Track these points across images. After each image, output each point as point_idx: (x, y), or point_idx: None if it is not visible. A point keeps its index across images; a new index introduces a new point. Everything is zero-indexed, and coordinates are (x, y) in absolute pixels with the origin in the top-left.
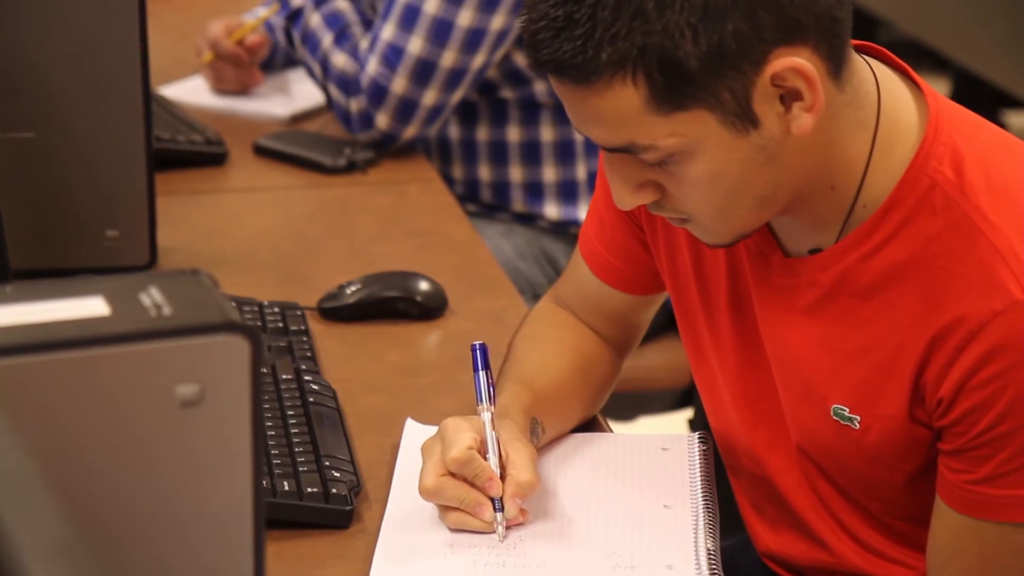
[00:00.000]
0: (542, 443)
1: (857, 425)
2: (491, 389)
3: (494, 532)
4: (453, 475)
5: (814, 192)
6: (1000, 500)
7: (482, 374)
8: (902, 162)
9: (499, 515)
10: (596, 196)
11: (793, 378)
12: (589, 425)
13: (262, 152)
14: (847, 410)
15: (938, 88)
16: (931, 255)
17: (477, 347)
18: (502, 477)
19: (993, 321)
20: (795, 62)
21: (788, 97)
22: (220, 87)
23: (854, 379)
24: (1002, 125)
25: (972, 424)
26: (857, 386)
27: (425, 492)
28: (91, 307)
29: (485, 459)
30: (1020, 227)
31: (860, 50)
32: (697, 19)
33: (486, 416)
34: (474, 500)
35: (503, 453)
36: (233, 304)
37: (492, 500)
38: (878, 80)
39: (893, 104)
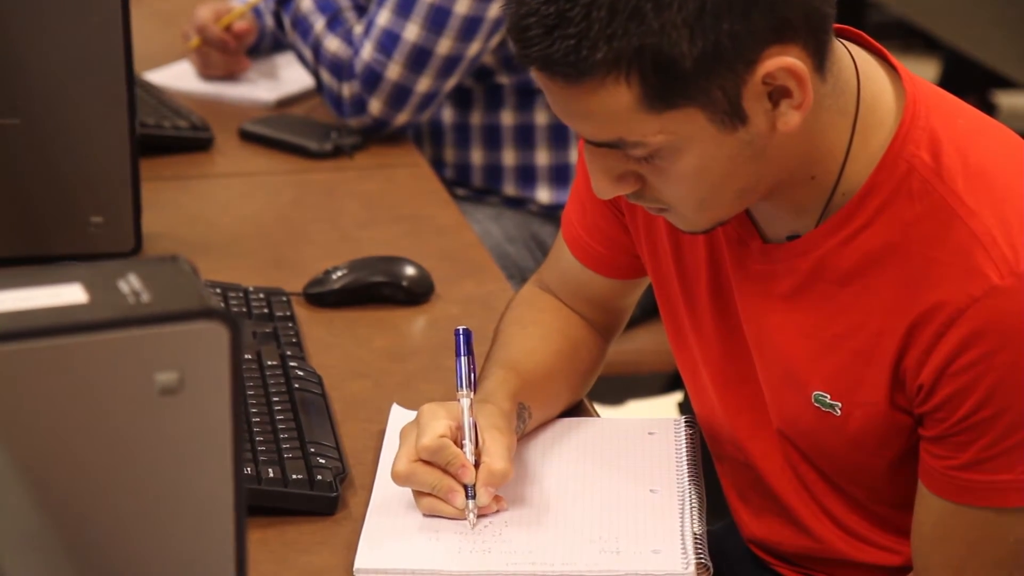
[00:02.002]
0: (529, 428)
1: (838, 412)
2: (472, 375)
3: (466, 519)
4: (426, 462)
5: (794, 181)
6: (982, 485)
7: (463, 359)
8: (880, 147)
9: (471, 502)
10: (578, 181)
11: (773, 365)
12: (575, 410)
13: (248, 137)
14: (828, 397)
15: (928, 69)
16: (909, 241)
17: (460, 332)
18: (478, 464)
19: (972, 307)
20: (787, 61)
21: (776, 94)
22: (207, 73)
23: (834, 366)
24: (993, 105)
25: (953, 410)
26: (837, 373)
27: (397, 477)
28: (69, 294)
29: (461, 445)
30: (998, 211)
31: (838, 34)
32: (694, 20)
33: (464, 402)
34: (446, 486)
35: (480, 440)
36: (215, 290)
37: (465, 487)
38: (857, 66)
39: (872, 89)
